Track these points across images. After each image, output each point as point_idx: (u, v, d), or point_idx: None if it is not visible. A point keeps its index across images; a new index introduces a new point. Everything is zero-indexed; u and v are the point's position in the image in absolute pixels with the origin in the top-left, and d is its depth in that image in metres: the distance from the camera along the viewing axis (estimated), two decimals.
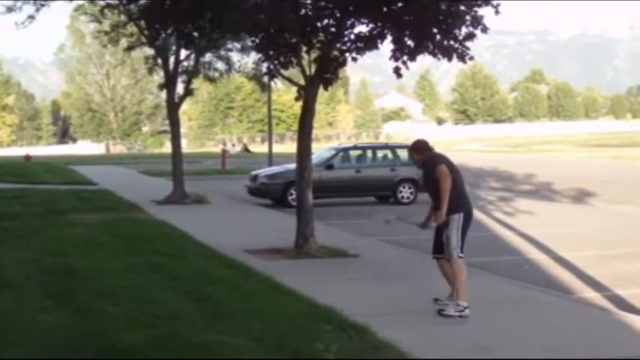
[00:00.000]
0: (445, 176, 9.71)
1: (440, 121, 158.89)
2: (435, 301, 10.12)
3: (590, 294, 12.02)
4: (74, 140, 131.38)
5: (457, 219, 9.83)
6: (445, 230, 9.88)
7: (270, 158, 36.18)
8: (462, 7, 13.27)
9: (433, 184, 9.90)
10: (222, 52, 27.34)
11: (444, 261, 10.06)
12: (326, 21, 14.47)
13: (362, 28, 14.43)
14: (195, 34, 23.97)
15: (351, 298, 10.61)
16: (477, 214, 22.22)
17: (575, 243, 17.17)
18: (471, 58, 14.18)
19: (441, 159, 10.09)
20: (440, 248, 10.09)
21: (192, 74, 26.99)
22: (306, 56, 15.18)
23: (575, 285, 12.70)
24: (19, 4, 24.32)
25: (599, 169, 43.07)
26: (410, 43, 13.90)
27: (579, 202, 26.94)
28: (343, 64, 14.98)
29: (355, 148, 29.33)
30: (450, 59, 13.87)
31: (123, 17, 26.06)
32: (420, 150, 10.43)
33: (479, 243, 17.17)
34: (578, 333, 9.18)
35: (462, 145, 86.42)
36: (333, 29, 14.45)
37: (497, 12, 13.48)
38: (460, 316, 9.55)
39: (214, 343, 7.94)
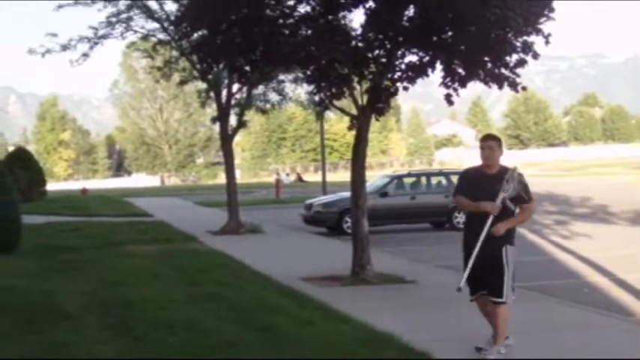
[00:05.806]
0: (531, 213, 9.05)
1: None
2: (478, 351, 8.79)
3: None
4: (129, 173, 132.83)
5: (516, 252, 8.62)
6: (498, 264, 8.42)
7: (324, 187, 36.31)
8: (512, 34, 13.23)
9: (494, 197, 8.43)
10: (275, 84, 27.57)
11: (488, 298, 8.63)
12: (377, 52, 14.53)
13: (412, 58, 14.46)
14: (247, 67, 24.21)
15: (410, 324, 10.59)
16: (534, 237, 22.35)
17: (634, 265, 16.91)
18: (524, 88, 14.04)
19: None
20: (486, 284, 8.57)
21: (244, 107, 27.24)
22: (357, 87, 15.26)
23: (636, 307, 12.53)
24: (73, 42, 24.87)
25: None
26: (460, 70, 13.92)
27: (637, 224, 26.58)
28: (395, 93, 15.03)
29: (409, 175, 29.29)
30: (500, 87, 13.83)
31: (175, 53, 26.46)
32: (501, 145, 8.80)
33: (537, 267, 17.09)
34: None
35: None
36: (383, 60, 14.50)
37: (547, 42, 13.33)
38: None
39: None
